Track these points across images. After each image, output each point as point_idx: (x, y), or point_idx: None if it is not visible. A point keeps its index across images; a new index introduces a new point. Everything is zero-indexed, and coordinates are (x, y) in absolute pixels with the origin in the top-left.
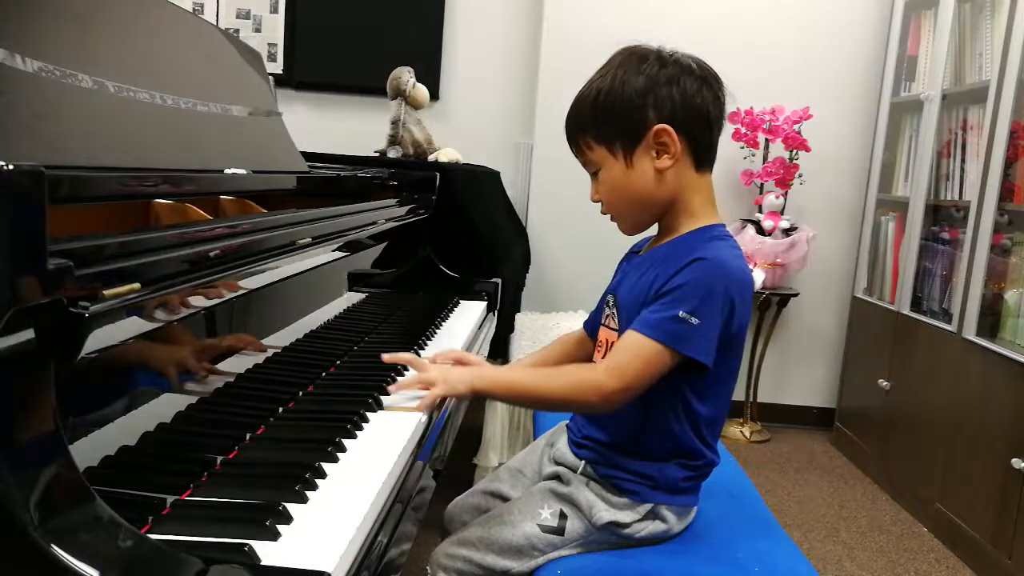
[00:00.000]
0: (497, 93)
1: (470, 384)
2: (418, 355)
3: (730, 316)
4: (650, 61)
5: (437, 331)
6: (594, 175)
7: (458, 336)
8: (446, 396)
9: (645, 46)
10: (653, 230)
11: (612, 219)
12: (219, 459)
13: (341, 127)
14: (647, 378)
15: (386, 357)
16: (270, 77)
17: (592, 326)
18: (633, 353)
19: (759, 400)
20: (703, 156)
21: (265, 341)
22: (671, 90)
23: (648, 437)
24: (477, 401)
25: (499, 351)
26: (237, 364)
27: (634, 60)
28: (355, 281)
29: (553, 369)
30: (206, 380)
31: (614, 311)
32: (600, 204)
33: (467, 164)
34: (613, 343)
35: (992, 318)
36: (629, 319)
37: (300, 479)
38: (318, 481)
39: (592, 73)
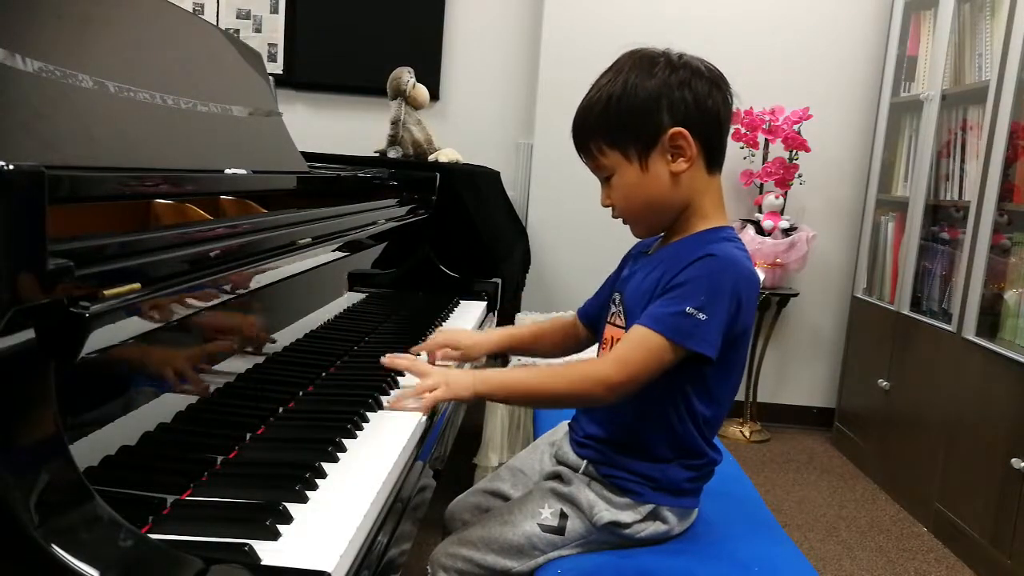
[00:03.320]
0: (497, 93)
1: (472, 388)
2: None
3: (736, 312)
4: (660, 64)
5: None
6: (605, 180)
7: None
8: (448, 400)
9: (651, 49)
10: None
11: (625, 223)
12: (219, 459)
13: (341, 127)
14: (652, 371)
15: (385, 361)
16: (270, 77)
17: (587, 314)
18: (639, 346)
19: (759, 400)
20: (715, 158)
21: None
22: (684, 93)
23: (650, 435)
24: (477, 401)
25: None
26: (237, 364)
27: (644, 63)
28: (355, 281)
29: (556, 367)
30: (206, 380)
31: (620, 309)
32: (611, 209)
33: (467, 164)
34: (618, 340)
35: (992, 318)
36: (634, 318)
37: (300, 479)
38: (318, 481)
39: (592, 74)
